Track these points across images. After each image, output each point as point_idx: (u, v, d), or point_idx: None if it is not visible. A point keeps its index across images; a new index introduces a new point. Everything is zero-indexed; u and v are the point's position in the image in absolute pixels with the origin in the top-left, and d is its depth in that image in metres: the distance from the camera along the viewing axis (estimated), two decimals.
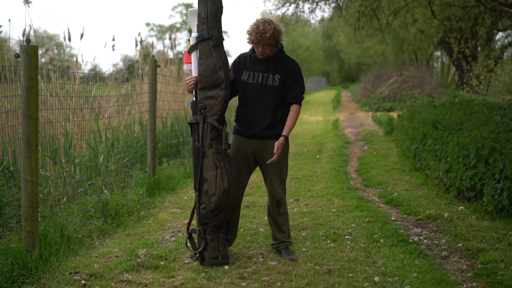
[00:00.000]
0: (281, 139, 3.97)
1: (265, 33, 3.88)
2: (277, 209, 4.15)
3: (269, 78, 4.01)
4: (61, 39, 7.16)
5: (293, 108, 4.06)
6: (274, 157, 3.93)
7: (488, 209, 5.19)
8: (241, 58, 4.13)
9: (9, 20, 5.79)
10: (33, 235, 3.80)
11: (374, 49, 29.47)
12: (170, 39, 11.45)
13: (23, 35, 5.85)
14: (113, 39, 8.24)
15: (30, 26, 5.82)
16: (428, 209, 5.52)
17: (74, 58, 7.44)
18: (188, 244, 4.13)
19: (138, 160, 7.22)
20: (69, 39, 6.84)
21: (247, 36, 3.97)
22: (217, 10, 3.92)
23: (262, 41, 3.90)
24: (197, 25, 3.96)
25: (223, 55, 3.94)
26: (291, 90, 4.03)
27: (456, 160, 5.97)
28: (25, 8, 4.71)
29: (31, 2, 4.48)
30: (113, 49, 7.79)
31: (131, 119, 7.77)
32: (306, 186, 7.02)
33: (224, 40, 4.01)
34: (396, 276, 3.69)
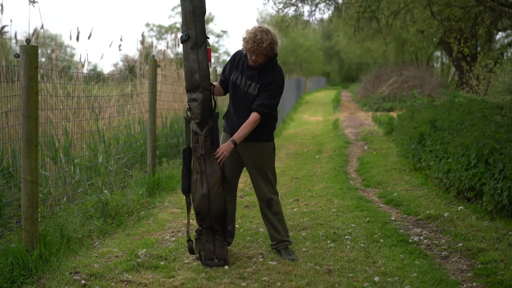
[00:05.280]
0: (228, 143, 3.89)
1: (261, 43, 3.83)
2: (268, 209, 4.15)
3: (251, 86, 3.98)
4: (62, 39, 7.24)
5: (252, 115, 3.92)
6: (218, 155, 3.85)
7: (488, 209, 5.19)
8: (237, 56, 4.10)
9: (11, 20, 5.85)
10: (33, 235, 3.80)
11: (376, 51, 29.50)
12: (175, 39, 11.47)
13: (33, 35, 5.91)
14: (121, 39, 8.45)
15: (40, 26, 5.90)
16: (428, 209, 5.51)
17: (74, 58, 7.50)
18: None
19: (138, 160, 7.22)
20: (77, 39, 6.91)
21: (243, 43, 3.93)
22: (195, 9, 3.76)
23: (257, 51, 3.86)
24: (181, 25, 3.93)
25: (202, 56, 3.79)
26: (258, 97, 3.96)
27: (457, 160, 5.97)
28: (32, 7, 4.76)
29: (36, 1, 4.49)
30: (120, 49, 7.88)
31: (131, 119, 7.77)
32: (306, 186, 7.02)
33: (208, 38, 3.86)
34: (396, 276, 3.69)
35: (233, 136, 3.93)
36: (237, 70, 4.05)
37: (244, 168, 4.25)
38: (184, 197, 6.13)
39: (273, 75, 3.99)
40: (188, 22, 3.78)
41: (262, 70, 3.97)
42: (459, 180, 5.79)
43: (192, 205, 3.98)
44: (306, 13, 16.16)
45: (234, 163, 4.15)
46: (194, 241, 4.10)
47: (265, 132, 4.07)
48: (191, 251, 3.99)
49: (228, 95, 4.20)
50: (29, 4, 4.71)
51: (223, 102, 10.00)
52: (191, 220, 5.13)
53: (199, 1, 3.77)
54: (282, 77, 4.04)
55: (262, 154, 4.09)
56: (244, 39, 3.92)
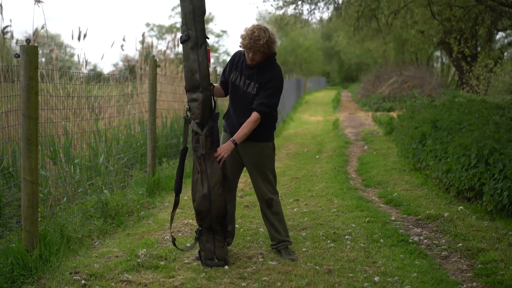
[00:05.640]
0: (229, 143, 3.90)
1: (258, 40, 3.83)
2: (268, 209, 4.15)
3: (250, 86, 3.98)
4: (62, 39, 7.30)
5: (252, 115, 3.94)
6: (218, 155, 3.87)
7: (488, 209, 5.19)
8: (236, 56, 4.11)
9: (10, 20, 5.86)
10: (33, 235, 3.80)
11: (376, 51, 29.51)
12: (175, 39, 11.51)
13: (33, 35, 5.92)
14: (124, 39, 8.50)
15: (41, 25, 5.91)
16: (428, 209, 5.51)
17: (74, 58, 7.54)
18: (188, 244, 4.13)
19: (138, 160, 7.22)
20: (78, 39, 6.93)
21: (240, 40, 3.93)
22: (195, 9, 3.74)
23: (254, 48, 3.85)
24: (181, 26, 3.93)
25: (202, 56, 3.79)
26: (258, 97, 3.96)
27: (457, 160, 5.97)
28: (35, 7, 4.74)
29: (42, 1, 4.49)
30: (122, 49, 7.93)
31: (131, 119, 7.78)
32: (306, 186, 7.02)
33: (208, 38, 3.86)
34: (396, 276, 3.69)
35: (234, 136, 3.93)
36: (236, 70, 4.05)
37: (244, 168, 4.25)
38: (184, 197, 6.16)
39: (272, 74, 3.98)
40: (188, 22, 3.77)
41: (260, 69, 3.97)
42: (459, 180, 5.79)
43: (179, 204, 3.99)
44: (305, 12, 16.23)
45: (234, 163, 4.15)
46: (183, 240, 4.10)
47: (265, 132, 4.07)
48: (173, 242, 4.00)
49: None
50: (35, 4, 4.71)
51: (223, 102, 10.01)
52: (190, 220, 5.14)
53: (199, 1, 3.75)
54: (281, 76, 4.04)
55: (262, 154, 4.09)
56: (241, 36, 3.92)
